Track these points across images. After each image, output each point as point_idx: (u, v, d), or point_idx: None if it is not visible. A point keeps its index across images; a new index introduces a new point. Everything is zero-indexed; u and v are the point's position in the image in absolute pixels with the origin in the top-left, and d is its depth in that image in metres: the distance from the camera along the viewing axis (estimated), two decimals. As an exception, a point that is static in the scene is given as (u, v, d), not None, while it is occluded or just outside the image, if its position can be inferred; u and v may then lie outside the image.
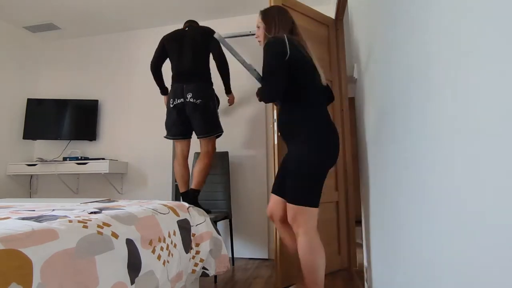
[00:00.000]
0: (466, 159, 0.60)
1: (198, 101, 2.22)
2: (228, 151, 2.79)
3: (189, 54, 2.34)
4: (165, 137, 2.39)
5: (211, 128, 2.30)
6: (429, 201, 0.79)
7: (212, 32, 2.35)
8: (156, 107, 3.23)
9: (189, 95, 2.22)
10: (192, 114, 2.25)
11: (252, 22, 3.03)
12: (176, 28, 2.55)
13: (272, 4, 2.22)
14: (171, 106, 2.28)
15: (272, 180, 2.24)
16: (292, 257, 2.08)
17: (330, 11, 2.79)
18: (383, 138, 1.25)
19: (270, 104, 2.89)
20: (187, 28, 2.47)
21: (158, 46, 2.49)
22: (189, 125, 2.32)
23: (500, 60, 0.49)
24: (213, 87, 2.42)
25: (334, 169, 2.45)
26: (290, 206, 1.43)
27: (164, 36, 2.48)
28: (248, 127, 2.97)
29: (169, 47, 2.43)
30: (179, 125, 2.30)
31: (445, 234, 0.70)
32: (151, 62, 2.50)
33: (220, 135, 2.40)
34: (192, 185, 2.29)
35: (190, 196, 2.26)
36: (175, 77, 2.37)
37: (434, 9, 0.73)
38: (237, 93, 2.98)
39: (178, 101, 2.25)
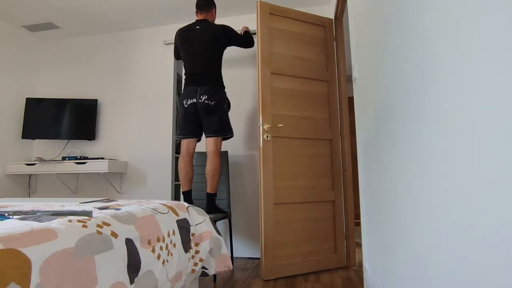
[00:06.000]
0: (463, 159, 0.60)
1: (213, 102, 2.26)
2: (227, 151, 2.79)
3: (200, 56, 2.35)
4: (175, 137, 2.48)
5: (223, 129, 2.31)
6: (427, 200, 0.79)
7: (226, 30, 2.42)
8: (155, 107, 3.23)
9: (203, 97, 2.25)
10: (205, 115, 2.28)
11: (252, 21, 3.03)
12: (176, 26, 2.55)
13: (259, 14, 2.32)
14: (185, 106, 2.31)
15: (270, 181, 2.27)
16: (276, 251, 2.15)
17: (331, 11, 2.79)
18: (381, 138, 1.25)
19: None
20: (197, 27, 2.41)
21: (174, 43, 2.56)
22: (200, 126, 2.35)
23: (499, 59, 0.49)
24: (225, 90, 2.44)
25: (330, 169, 2.46)
26: None
27: (177, 32, 2.50)
28: (247, 127, 2.97)
29: (180, 46, 2.45)
30: (190, 124, 2.33)
31: (441, 233, 0.70)
32: (174, 56, 2.64)
33: (229, 137, 2.41)
34: (208, 190, 2.29)
35: (208, 201, 2.28)
36: (188, 80, 2.38)
37: (433, 10, 0.73)
38: (236, 93, 2.98)
39: (191, 101, 2.28)
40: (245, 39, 2.56)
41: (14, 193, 3.23)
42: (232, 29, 2.48)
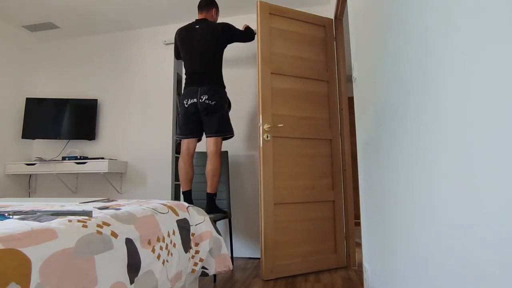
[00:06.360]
0: (463, 159, 0.60)
1: (213, 102, 2.26)
2: (227, 151, 2.80)
3: (200, 56, 2.36)
4: (176, 137, 2.51)
5: (223, 129, 2.32)
6: (427, 200, 0.79)
7: (225, 28, 2.42)
8: (155, 107, 3.23)
9: (204, 97, 2.26)
10: (205, 115, 2.29)
11: (252, 21, 3.03)
12: (176, 26, 2.59)
13: (259, 14, 2.33)
14: (185, 106, 2.31)
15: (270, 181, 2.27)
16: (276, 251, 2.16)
17: (331, 11, 2.79)
18: (381, 138, 1.25)
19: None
20: (197, 26, 2.41)
21: (174, 42, 2.56)
22: (200, 126, 2.36)
23: (499, 59, 0.49)
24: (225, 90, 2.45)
25: (330, 169, 2.46)
26: None
27: (176, 32, 2.50)
28: (247, 127, 2.97)
29: (180, 46, 2.45)
30: (190, 124, 2.33)
31: (441, 233, 0.70)
32: (174, 55, 2.66)
33: (230, 137, 2.42)
34: (208, 190, 2.29)
35: (208, 201, 2.28)
36: (188, 79, 2.38)
37: (433, 10, 0.73)
38: (236, 93, 2.98)
39: (191, 101, 2.28)
40: (245, 34, 2.57)
41: (14, 193, 3.23)
42: (232, 26, 2.48)
